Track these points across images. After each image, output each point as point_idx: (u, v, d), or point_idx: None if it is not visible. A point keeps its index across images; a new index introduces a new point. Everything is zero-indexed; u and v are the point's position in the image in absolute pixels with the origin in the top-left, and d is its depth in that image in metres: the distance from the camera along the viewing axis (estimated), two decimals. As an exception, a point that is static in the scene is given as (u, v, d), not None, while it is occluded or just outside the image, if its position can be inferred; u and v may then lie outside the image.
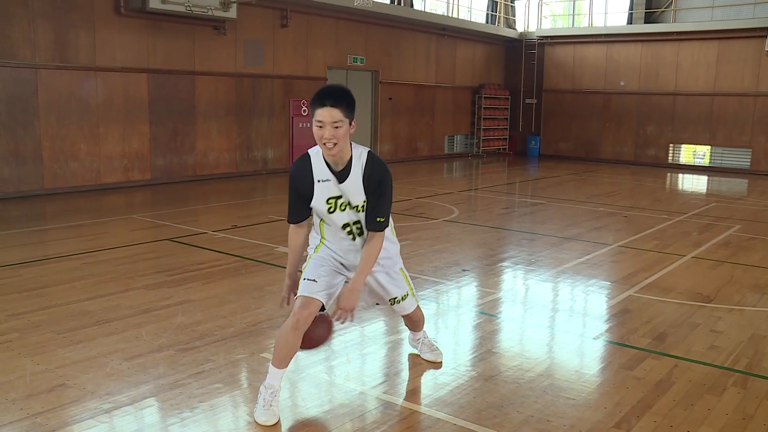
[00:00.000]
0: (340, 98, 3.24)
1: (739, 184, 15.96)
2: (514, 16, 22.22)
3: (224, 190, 12.52)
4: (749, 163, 18.30)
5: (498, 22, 21.35)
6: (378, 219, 3.44)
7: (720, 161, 18.82)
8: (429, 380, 4.04)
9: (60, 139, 11.45)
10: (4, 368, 4.03)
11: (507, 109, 22.10)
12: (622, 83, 19.99)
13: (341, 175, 3.39)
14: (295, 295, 3.50)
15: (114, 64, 12.03)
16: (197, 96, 13.48)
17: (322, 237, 3.63)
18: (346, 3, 15.02)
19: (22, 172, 11.01)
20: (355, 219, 3.51)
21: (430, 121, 19.81)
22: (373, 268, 3.62)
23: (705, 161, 19.16)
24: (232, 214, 9.88)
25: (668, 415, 3.62)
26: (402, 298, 3.87)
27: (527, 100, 22.01)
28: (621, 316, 5.41)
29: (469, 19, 20.37)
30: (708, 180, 16.86)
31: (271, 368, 3.47)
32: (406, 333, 4.51)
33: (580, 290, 6.23)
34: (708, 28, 18.32)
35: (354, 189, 3.40)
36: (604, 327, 5.19)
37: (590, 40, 20.38)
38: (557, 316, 5.42)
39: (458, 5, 19.94)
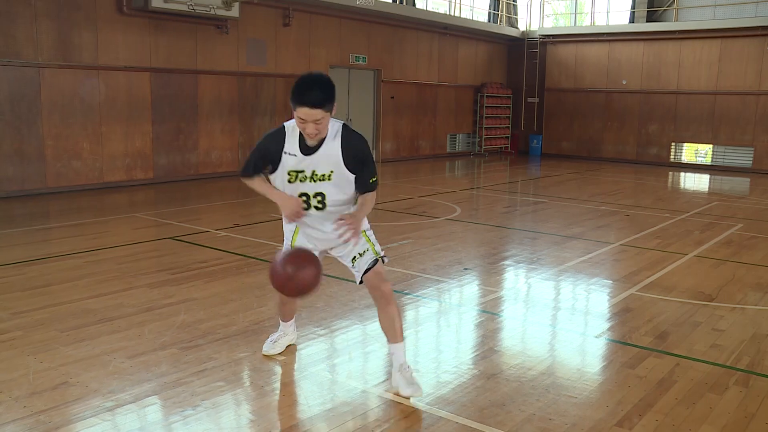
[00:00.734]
0: (320, 99, 3.30)
1: (741, 183, 15.93)
2: (516, 14, 22.20)
3: (227, 188, 12.53)
4: (751, 162, 18.27)
5: (500, 21, 21.34)
6: (370, 181, 3.63)
7: (722, 160, 18.79)
8: (431, 378, 4.05)
9: (63, 138, 11.47)
10: (8, 366, 4.04)
11: (509, 107, 22.08)
12: (624, 82, 19.96)
13: (311, 150, 3.53)
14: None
15: (117, 63, 12.05)
16: (200, 95, 13.49)
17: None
18: (349, 2, 15.02)
19: (26, 170, 11.04)
20: (316, 191, 3.59)
21: (432, 120, 19.81)
22: (338, 230, 3.58)
23: (707, 160, 19.12)
24: (235, 212, 9.89)
25: (670, 414, 3.63)
26: (360, 255, 3.78)
27: (529, 99, 21.99)
28: (623, 314, 5.42)
29: (471, 18, 20.36)
30: (710, 179, 16.83)
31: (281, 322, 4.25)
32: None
33: (582, 289, 6.23)
34: (710, 26, 18.28)
35: (323, 160, 3.53)
36: (606, 325, 5.19)
37: (592, 38, 20.36)
38: (559, 315, 5.43)
39: (460, 4, 19.94)
